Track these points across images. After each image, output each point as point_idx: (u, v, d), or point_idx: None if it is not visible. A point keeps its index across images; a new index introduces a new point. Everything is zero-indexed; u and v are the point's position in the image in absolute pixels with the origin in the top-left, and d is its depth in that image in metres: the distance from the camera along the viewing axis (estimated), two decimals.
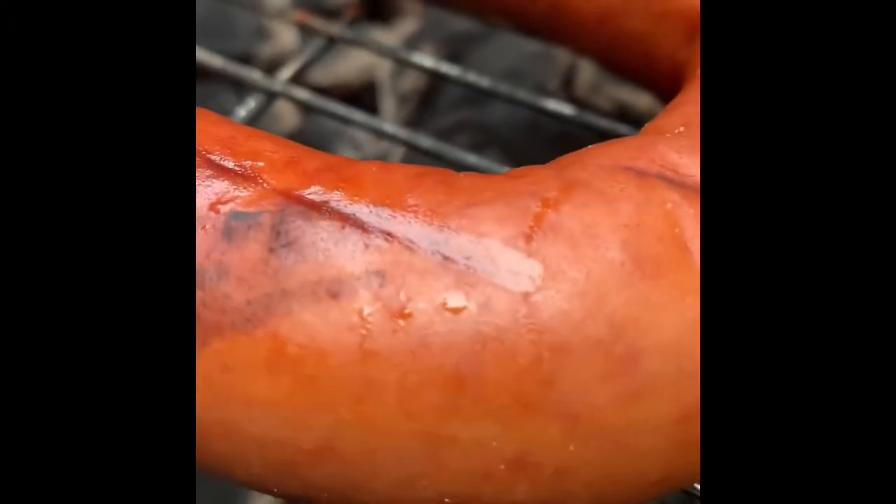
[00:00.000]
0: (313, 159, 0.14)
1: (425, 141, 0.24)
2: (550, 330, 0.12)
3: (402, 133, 0.27)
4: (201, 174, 0.13)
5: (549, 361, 0.12)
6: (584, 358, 0.12)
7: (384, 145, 0.39)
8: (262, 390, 0.12)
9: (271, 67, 0.46)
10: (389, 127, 0.28)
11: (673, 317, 0.13)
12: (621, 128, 0.27)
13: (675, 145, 0.13)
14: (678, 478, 0.15)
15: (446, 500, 0.12)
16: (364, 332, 0.12)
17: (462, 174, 0.15)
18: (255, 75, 0.40)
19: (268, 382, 0.12)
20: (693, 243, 0.13)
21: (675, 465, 0.14)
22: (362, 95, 0.45)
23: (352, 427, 0.12)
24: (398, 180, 0.13)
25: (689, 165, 0.13)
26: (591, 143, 0.21)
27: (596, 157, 0.13)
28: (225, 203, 0.12)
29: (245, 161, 0.12)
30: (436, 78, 0.35)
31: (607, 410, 0.12)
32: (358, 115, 0.33)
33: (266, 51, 0.49)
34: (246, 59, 0.47)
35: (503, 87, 0.27)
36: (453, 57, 0.42)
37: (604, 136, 0.25)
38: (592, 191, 0.12)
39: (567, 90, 0.43)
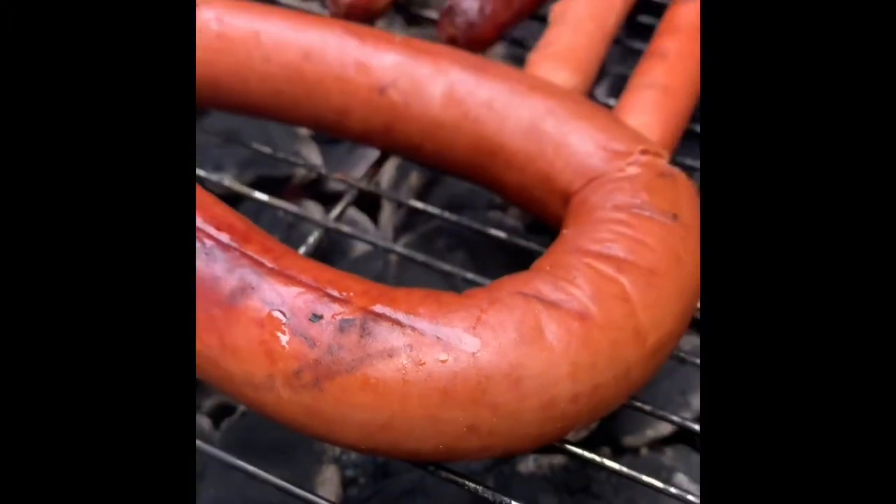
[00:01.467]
0: (374, 288, 0.26)
1: (418, 255, 0.37)
2: (484, 368, 0.25)
3: (398, 248, 0.39)
4: (328, 300, 0.25)
5: (483, 383, 0.24)
6: (497, 382, 0.24)
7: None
8: (358, 401, 0.24)
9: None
10: (387, 243, 0.41)
11: (542, 353, 0.26)
12: (533, 242, 0.39)
13: (544, 279, 0.26)
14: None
15: (440, 446, 0.25)
16: (404, 372, 0.24)
17: (444, 293, 0.28)
18: (315, 214, 0.49)
19: (360, 398, 0.24)
20: (548, 330, 0.26)
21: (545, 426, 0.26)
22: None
23: (401, 416, 0.24)
24: (415, 299, 0.26)
25: (550, 292, 0.26)
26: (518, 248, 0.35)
27: (506, 285, 0.26)
28: (338, 314, 0.25)
29: (346, 293, 0.25)
30: (422, 193, 0.49)
31: (511, 406, 0.25)
32: (371, 233, 0.45)
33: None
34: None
35: (452, 216, 0.40)
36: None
37: (522, 248, 0.38)
38: (503, 304, 0.25)
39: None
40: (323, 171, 0.44)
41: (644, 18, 0.47)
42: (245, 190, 0.40)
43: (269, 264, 0.27)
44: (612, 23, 0.41)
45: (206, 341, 0.26)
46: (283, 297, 0.26)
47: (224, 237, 0.27)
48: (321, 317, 0.26)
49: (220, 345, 0.25)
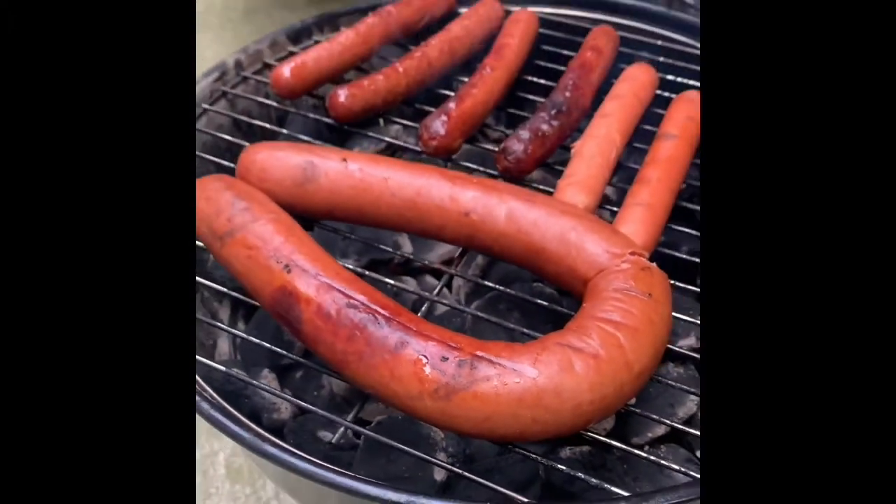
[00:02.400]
0: (475, 342, 0.44)
1: (486, 315, 0.55)
2: (540, 386, 0.42)
3: (471, 310, 0.58)
4: (450, 348, 0.43)
5: (540, 394, 0.42)
6: (548, 394, 0.42)
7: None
8: (471, 406, 0.43)
9: None
10: (462, 306, 0.59)
11: (573, 377, 0.44)
12: (565, 308, 0.57)
13: (573, 335, 0.44)
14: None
15: (517, 432, 0.44)
16: (496, 389, 0.42)
17: (515, 344, 0.46)
18: (410, 286, 0.72)
19: (472, 404, 0.43)
20: (576, 365, 0.43)
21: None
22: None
23: (495, 414, 0.44)
24: (499, 347, 0.44)
25: (576, 342, 0.43)
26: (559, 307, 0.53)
27: (551, 338, 0.44)
28: (457, 357, 0.43)
29: (459, 344, 0.43)
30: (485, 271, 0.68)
31: (556, 407, 0.44)
32: (449, 299, 0.64)
33: None
34: None
35: (508, 289, 0.59)
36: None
37: (558, 312, 0.56)
38: (549, 350, 0.43)
39: None
40: (412, 256, 0.64)
41: (638, 144, 0.66)
42: (364, 271, 0.59)
43: (414, 328, 0.45)
44: (613, 157, 0.60)
45: (382, 373, 0.44)
46: (425, 348, 0.44)
47: (386, 312, 0.46)
48: (447, 358, 0.44)
49: (391, 375, 0.44)
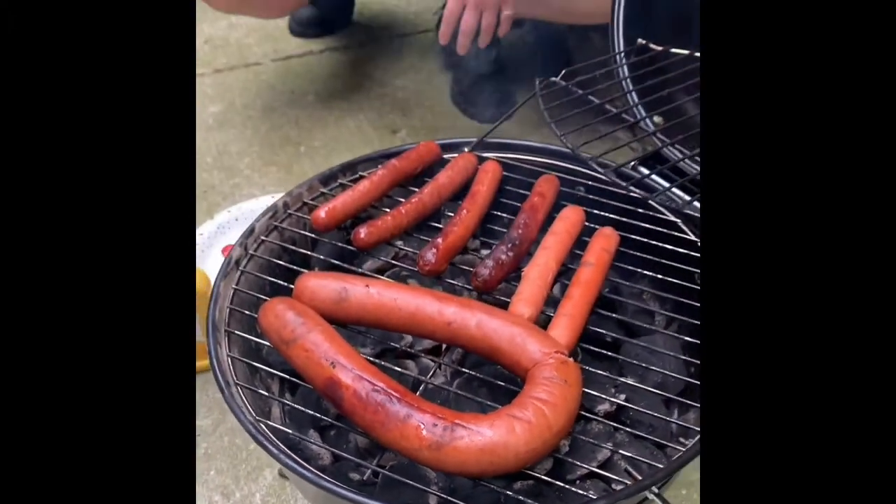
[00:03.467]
0: (455, 413, 0.69)
1: (464, 393, 0.80)
2: (496, 440, 0.68)
3: (453, 389, 0.83)
4: (439, 418, 0.67)
5: (496, 445, 0.67)
6: (501, 445, 0.67)
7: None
8: (453, 455, 0.65)
9: None
10: (447, 386, 0.85)
11: (515, 435, 0.68)
12: (515, 386, 0.83)
13: (517, 408, 0.68)
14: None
15: (484, 469, 0.67)
16: (468, 443, 0.67)
17: (481, 415, 0.70)
18: (412, 369, 0.98)
19: (454, 454, 0.67)
20: (518, 427, 0.68)
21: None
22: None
23: (468, 458, 0.66)
24: (470, 417, 0.68)
25: (519, 413, 0.67)
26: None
27: (503, 411, 0.68)
28: (442, 423, 0.67)
29: (445, 415, 0.67)
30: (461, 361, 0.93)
31: (505, 453, 0.68)
32: (437, 379, 0.90)
33: None
34: None
35: (477, 373, 0.85)
36: None
37: (511, 390, 0.81)
38: (501, 418, 0.68)
39: None
40: (411, 346, 0.89)
41: (571, 266, 0.92)
42: (378, 360, 0.84)
43: (416, 405, 0.69)
44: (550, 279, 0.85)
45: (395, 434, 0.68)
46: (422, 418, 0.68)
47: (397, 394, 0.70)
48: (437, 425, 0.68)
49: (401, 436, 0.67)
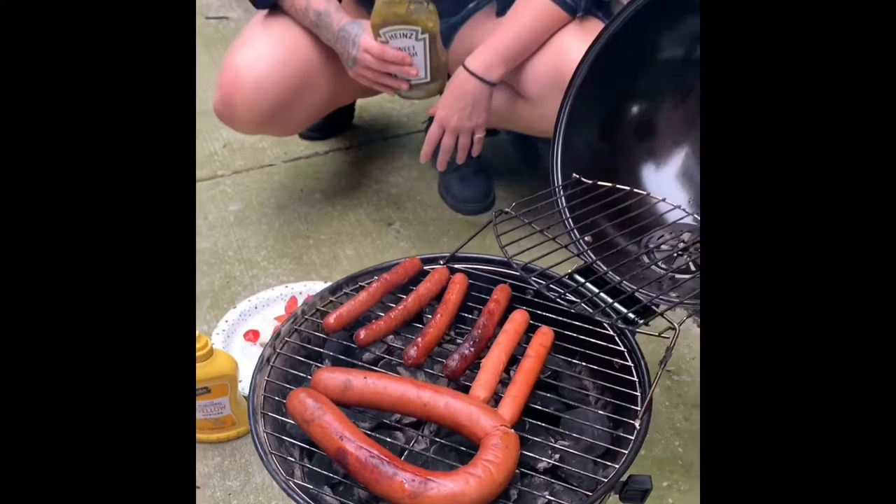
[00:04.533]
0: (427, 472, 0.95)
1: (434, 457, 1.08)
2: (457, 490, 0.95)
3: (428, 453, 1.11)
4: (416, 475, 0.94)
5: (457, 493, 0.94)
6: (460, 492, 0.94)
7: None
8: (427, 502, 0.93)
9: None
10: (425, 450, 1.14)
11: (470, 486, 0.96)
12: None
13: (472, 467, 0.96)
14: None
15: None
16: (437, 493, 0.93)
17: (448, 472, 0.97)
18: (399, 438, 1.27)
19: (427, 501, 0.94)
20: (472, 480, 0.94)
21: None
22: None
23: None
24: (440, 475, 0.95)
25: (473, 470, 0.95)
26: None
27: (461, 469, 0.95)
28: (419, 480, 0.94)
29: (420, 474, 0.94)
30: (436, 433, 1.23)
31: (464, 498, 0.95)
32: (418, 446, 1.20)
33: None
34: None
35: (447, 441, 1.14)
36: None
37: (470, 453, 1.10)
38: (460, 475, 0.95)
39: None
40: (398, 420, 1.17)
41: (519, 356, 1.21)
42: (373, 432, 1.12)
43: (400, 467, 0.96)
44: (501, 368, 1.14)
45: (385, 488, 0.95)
46: (405, 476, 0.95)
47: (388, 459, 0.97)
48: (415, 480, 0.95)
49: (389, 489, 0.94)
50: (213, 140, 2.48)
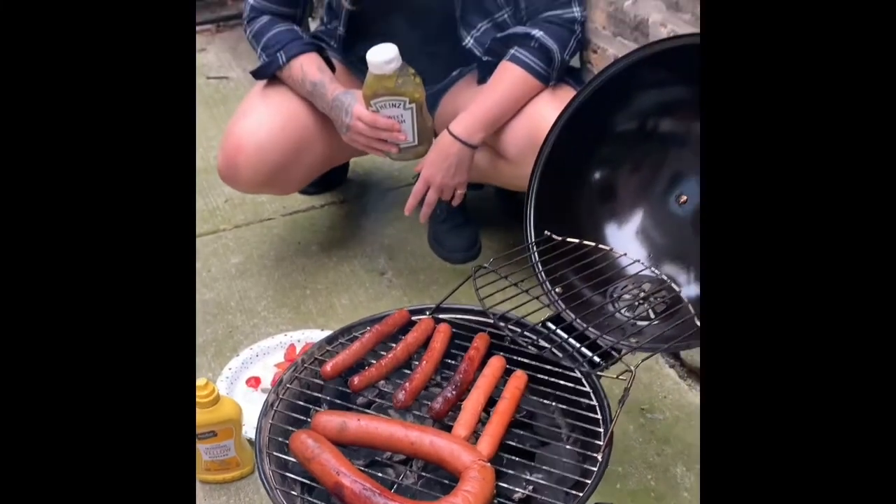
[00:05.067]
0: (414, 502, 1.08)
1: (422, 488, 1.22)
2: None
3: (416, 486, 1.23)
4: None
5: None
6: None
7: None
8: None
9: None
10: (413, 484, 1.27)
11: None
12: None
13: (452, 496, 1.08)
14: None
15: None
16: None
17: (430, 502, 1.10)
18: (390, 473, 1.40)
19: None
20: None
21: None
22: None
23: None
24: None
25: (453, 499, 1.08)
26: None
27: (444, 498, 1.08)
28: None
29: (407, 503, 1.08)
30: (423, 468, 1.36)
31: None
32: (406, 480, 1.33)
33: None
34: None
35: (433, 476, 1.27)
36: None
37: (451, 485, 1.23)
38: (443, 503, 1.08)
39: None
40: (388, 457, 1.30)
41: (495, 398, 1.35)
42: (366, 468, 1.25)
43: (391, 498, 1.09)
44: (480, 409, 1.28)
45: None
46: None
47: (379, 492, 1.09)
48: None
49: None
50: (214, 196, 2.63)
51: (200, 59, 3.71)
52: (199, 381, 1.41)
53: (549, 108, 1.79)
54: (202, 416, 1.44)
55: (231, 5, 4.11)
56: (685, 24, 1.32)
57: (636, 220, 1.38)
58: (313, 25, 2.75)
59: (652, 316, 1.25)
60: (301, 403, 1.20)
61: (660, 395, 1.86)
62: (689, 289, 1.25)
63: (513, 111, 1.85)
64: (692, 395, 1.51)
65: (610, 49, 1.91)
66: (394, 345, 1.35)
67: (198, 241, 2.47)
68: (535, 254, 1.40)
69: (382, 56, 1.69)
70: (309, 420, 1.13)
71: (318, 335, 1.76)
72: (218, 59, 3.75)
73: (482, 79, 2.01)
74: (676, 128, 1.21)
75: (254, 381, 1.89)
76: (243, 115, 2.00)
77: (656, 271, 1.34)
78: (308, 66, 1.92)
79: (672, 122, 1.21)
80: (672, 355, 1.57)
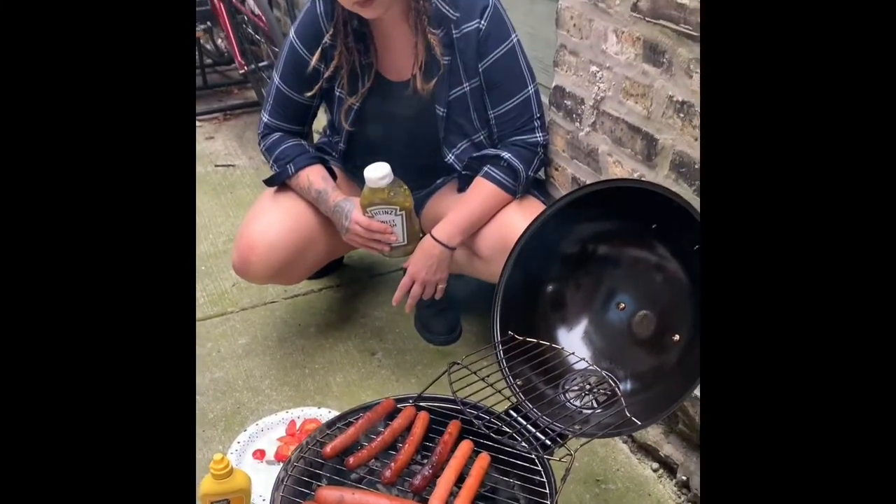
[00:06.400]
0: None
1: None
2: None
3: None
4: None
5: None
6: None
7: None
8: None
9: None
10: None
11: None
12: None
13: None
14: None
15: None
16: None
17: None
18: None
19: None
20: None
21: None
22: None
23: None
24: None
25: None
26: None
27: None
28: None
29: None
30: None
31: None
32: None
33: None
34: None
35: None
36: None
37: None
38: None
39: None
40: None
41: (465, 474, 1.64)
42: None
43: None
44: (451, 486, 1.58)
45: None
46: None
47: None
48: None
49: None
50: (223, 280, 2.94)
51: (209, 146, 4.05)
52: (216, 456, 1.69)
53: (516, 217, 2.15)
54: (218, 487, 1.72)
55: (237, 94, 4.50)
56: (627, 157, 1.67)
57: (582, 325, 1.69)
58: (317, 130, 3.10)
59: (595, 405, 1.56)
60: (306, 479, 1.50)
61: (613, 468, 2.15)
62: (625, 383, 1.57)
63: (486, 219, 2.20)
64: (642, 468, 1.79)
65: (568, 168, 2.29)
66: (382, 429, 1.63)
67: (208, 322, 2.76)
68: (501, 352, 1.71)
69: (377, 173, 2.05)
70: (312, 493, 1.43)
71: (314, 412, 2.07)
72: (225, 146, 4.10)
73: (461, 188, 2.37)
74: (610, 252, 1.55)
75: (259, 454, 2.17)
76: (256, 217, 2.34)
77: (598, 368, 1.66)
78: (314, 176, 2.27)
79: (606, 248, 1.55)
80: None
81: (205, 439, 1.75)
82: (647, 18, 1.30)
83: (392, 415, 1.74)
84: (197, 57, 3.47)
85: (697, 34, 1.22)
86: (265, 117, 2.37)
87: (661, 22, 1.28)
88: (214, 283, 2.98)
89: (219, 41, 4.14)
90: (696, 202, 1.27)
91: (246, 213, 2.36)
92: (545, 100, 2.22)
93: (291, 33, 2.28)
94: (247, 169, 3.80)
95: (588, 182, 1.73)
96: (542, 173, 2.34)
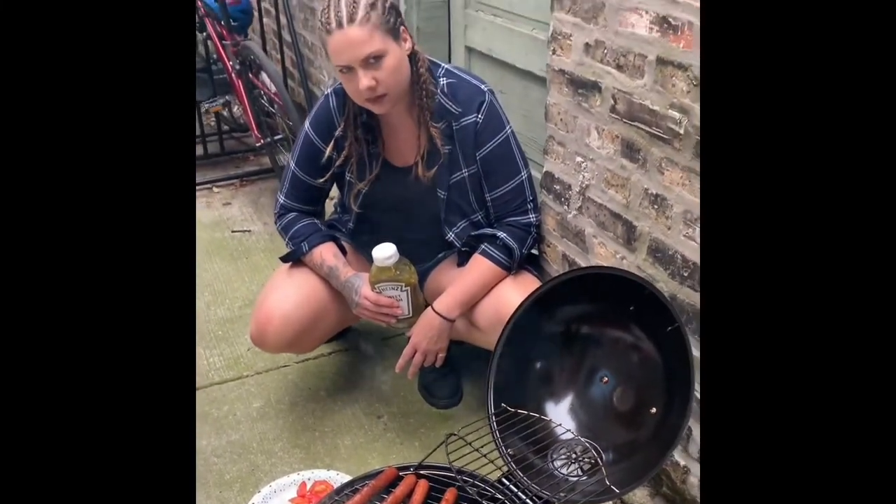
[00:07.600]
0: None
1: None
2: None
3: None
4: None
5: None
6: None
7: None
8: None
9: None
10: None
11: None
12: None
13: None
14: None
15: None
16: None
17: None
18: None
19: None
20: None
21: None
22: None
23: None
24: None
25: None
26: None
27: None
28: None
29: None
30: None
31: None
32: None
33: None
34: None
35: None
36: None
37: None
38: None
39: None
40: None
41: None
42: None
43: None
44: None
45: None
46: None
47: None
48: None
49: None
50: (238, 344, 3.12)
51: (226, 212, 4.28)
52: None
53: (511, 292, 2.34)
54: None
55: (253, 160, 4.74)
56: (610, 240, 1.84)
57: (569, 398, 1.88)
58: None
59: (581, 473, 1.74)
60: None
61: None
62: (607, 453, 1.74)
63: (483, 293, 2.40)
64: None
65: (559, 246, 2.49)
66: (385, 496, 1.83)
67: (224, 386, 2.94)
68: (494, 423, 1.89)
69: (384, 253, 2.26)
70: None
71: (324, 474, 2.24)
72: (241, 212, 4.33)
73: (461, 262, 2.57)
74: (592, 332, 1.73)
75: None
76: (272, 291, 2.54)
77: (583, 439, 1.82)
78: (326, 254, 2.48)
79: (589, 328, 1.73)
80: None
81: (222, 500, 1.91)
82: (623, 119, 1.51)
83: (395, 482, 1.91)
84: (215, 124, 3.77)
85: (668, 137, 1.43)
86: (281, 199, 2.60)
87: (636, 124, 1.48)
88: (231, 348, 3.16)
89: (235, 108, 4.39)
90: (671, 285, 1.46)
91: (261, 279, 2.55)
92: (537, 176, 2.45)
93: (307, 124, 2.53)
94: (262, 234, 4.00)
95: (577, 260, 1.94)
96: (535, 250, 2.55)
